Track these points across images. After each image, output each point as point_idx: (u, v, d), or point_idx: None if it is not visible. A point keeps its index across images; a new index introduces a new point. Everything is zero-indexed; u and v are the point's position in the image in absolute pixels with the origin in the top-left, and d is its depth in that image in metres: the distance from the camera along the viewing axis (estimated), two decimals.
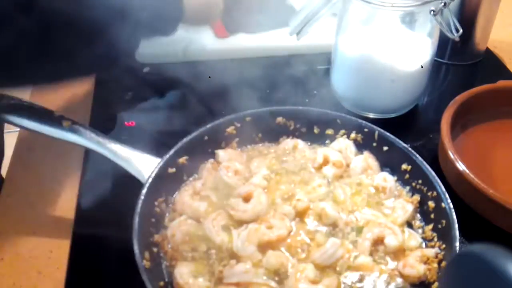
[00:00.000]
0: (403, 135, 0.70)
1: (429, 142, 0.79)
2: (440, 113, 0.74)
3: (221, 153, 0.70)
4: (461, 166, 0.66)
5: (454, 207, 0.59)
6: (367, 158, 0.70)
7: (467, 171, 0.65)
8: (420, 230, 0.63)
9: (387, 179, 0.67)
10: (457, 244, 0.56)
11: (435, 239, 0.61)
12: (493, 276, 0.36)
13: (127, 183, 0.65)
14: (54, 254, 0.64)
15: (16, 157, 0.78)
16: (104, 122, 0.81)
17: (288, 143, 0.73)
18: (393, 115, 0.84)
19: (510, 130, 0.80)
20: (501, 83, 0.81)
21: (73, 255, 0.64)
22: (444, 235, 0.60)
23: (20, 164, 0.77)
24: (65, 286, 0.61)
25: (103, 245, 0.65)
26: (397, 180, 0.68)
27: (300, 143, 0.73)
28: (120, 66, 0.71)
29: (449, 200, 0.60)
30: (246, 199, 0.64)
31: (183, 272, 0.56)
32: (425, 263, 0.58)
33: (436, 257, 0.59)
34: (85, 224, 0.68)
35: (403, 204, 0.65)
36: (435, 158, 0.74)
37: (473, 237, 0.66)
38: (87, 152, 0.77)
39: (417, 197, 0.65)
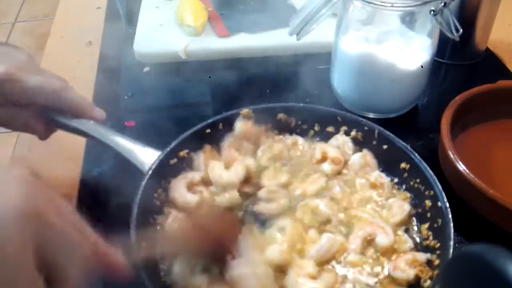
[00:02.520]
0: (403, 135, 0.70)
1: (429, 142, 0.79)
2: (440, 113, 0.74)
3: (238, 124, 0.70)
4: (461, 166, 0.66)
5: (454, 207, 0.59)
6: (366, 156, 0.70)
7: (467, 171, 0.65)
8: (416, 229, 0.64)
9: (382, 176, 0.68)
10: (451, 243, 0.56)
11: (431, 237, 0.61)
12: (493, 276, 0.36)
13: (127, 184, 0.65)
14: None
15: (16, 157, 0.78)
16: (104, 122, 0.81)
17: (287, 139, 0.73)
18: (393, 115, 0.84)
19: (510, 130, 0.80)
20: (501, 83, 0.81)
21: None
22: (439, 233, 0.60)
23: (20, 164, 0.77)
24: None
25: None
26: (396, 178, 0.68)
27: (299, 139, 0.73)
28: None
29: (445, 199, 0.60)
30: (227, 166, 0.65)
31: (180, 267, 0.56)
32: (415, 267, 0.58)
33: (427, 263, 0.59)
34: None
35: (400, 204, 0.65)
36: (435, 158, 0.74)
37: (473, 237, 0.66)
38: (87, 152, 0.77)
39: (408, 194, 0.66)
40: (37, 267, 0.38)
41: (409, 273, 0.57)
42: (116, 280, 0.46)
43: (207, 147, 0.69)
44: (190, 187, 0.65)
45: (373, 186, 0.67)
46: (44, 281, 0.38)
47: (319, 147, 0.71)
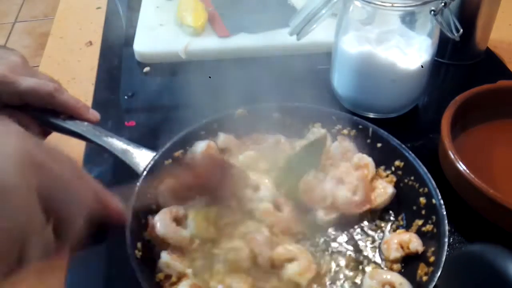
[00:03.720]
0: (403, 135, 0.70)
1: (429, 142, 0.79)
2: (440, 113, 0.74)
3: (222, 136, 0.71)
4: (461, 166, 0.66)
5: (455, 207, 0.59)
6: (341, 142, 0.70)
7: (467, 171, 0.65)
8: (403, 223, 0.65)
9: (365, 156, 0.69)
10: (446, 240, 0.56)
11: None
12: (493, 276, 0.36)
13: (127, 184, 0.65)
14: None
15: None
16: (104, 122, 0.81)
17: (270, 138, 0.73)
18: (393, 115, 0.84)
19: (510, 130, 0.80)
20: (501, 83, 0.81)
21: None
22: (434, 231, 0.60)
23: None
24: (65, 283, 0.61)
25: (103, 244, 0.65)
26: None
27: (282, 138, 0.72)
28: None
29: (439, 196, 0.61)
30: None
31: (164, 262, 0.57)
32: (403, 249, 0.59)
33: (417, 252, 0.59)
34: (85, 223, 0.68)
35: (384, 185, 0.66)
36: (435, 158, 0.74)
37: (473, 237, 0.66)
38: (87, 152, 0.77)
39: (394, 178, 0.67)
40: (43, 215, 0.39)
41: (389, 255, 0.59)
42: (113, 224, 0.49)
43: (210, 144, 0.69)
44: (177, 221, 0.61)
45: (358, 167, 0.67)
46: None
47: (299, 143, 0.71)
